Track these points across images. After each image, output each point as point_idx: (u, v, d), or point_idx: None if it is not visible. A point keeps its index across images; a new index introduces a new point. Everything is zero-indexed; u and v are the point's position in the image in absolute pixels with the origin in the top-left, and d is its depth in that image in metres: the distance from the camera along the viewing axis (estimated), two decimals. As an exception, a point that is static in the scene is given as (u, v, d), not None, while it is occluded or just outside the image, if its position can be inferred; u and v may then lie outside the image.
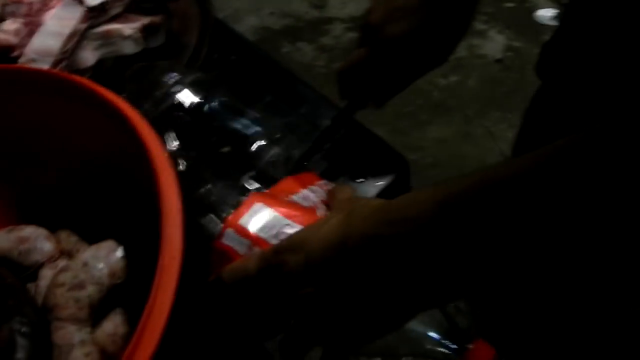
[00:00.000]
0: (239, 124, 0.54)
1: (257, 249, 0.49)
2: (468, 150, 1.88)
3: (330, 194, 0.55)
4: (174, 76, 0.55)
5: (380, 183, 0.69)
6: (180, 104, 0.53)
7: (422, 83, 2.04)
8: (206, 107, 0.53)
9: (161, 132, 0.43)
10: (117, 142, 0.43)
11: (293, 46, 2.14)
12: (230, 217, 0.49)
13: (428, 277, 0.40)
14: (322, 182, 0.58)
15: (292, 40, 2.15)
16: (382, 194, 0.69)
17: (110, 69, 0.79)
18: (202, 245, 0.48)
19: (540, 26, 2.19)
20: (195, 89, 0.54)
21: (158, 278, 0.36)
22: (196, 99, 0.54)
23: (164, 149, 0.40)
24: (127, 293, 0.48)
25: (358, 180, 0.69)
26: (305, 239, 0.45)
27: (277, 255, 0.46)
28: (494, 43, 2.14)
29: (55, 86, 0.47)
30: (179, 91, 0.54)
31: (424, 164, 1.84)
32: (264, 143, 0.53)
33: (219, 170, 0.51)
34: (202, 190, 0.48)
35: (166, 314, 0.37)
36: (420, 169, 1.84)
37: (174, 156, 0.50)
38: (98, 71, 0.77)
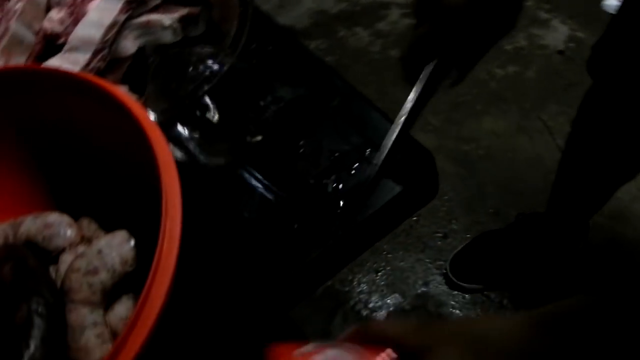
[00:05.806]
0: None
1: None
2: (522, 144, 1.83)
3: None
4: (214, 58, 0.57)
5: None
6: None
7: (480, 72, 1.99)
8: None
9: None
10: (130, 140, 0.45)
11: (349, 31, 2.12)
12: None
13: None
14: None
15: (348, 25, 2.14)
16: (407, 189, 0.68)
17: (150, 56, 0.82)
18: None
19: (608, 16, 2.09)
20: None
21: (154, 268, 0.38)
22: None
23: (169, 150, 0.42)
24: (138, 280, 0.50)
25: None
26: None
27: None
28: (556, 33, 2.06)
29: (79, 87, 0.49)
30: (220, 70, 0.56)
31: (477, 156, 1.81)
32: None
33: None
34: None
35: (161, 300, 0.38)
36: (472, 161, 1.80)
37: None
38: (139, 58, 0.80)
